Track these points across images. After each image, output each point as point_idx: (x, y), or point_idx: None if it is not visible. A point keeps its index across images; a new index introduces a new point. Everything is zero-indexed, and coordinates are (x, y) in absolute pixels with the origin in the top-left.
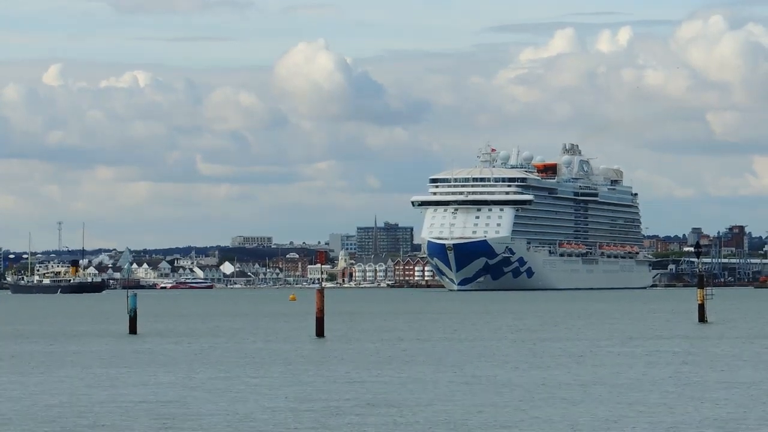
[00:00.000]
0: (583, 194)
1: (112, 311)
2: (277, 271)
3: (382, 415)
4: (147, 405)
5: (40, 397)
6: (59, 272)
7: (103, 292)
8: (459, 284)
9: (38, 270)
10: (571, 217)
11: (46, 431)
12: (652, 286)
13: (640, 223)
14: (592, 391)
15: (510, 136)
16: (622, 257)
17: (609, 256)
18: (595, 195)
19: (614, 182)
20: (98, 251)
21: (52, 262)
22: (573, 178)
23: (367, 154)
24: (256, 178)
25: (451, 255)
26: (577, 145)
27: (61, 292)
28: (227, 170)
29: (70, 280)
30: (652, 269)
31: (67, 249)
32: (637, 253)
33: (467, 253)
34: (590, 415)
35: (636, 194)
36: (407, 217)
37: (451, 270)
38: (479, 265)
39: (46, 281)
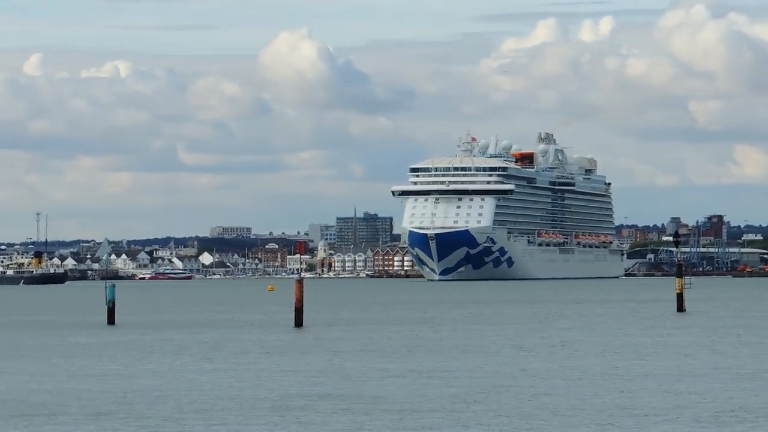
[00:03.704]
0: (560, 183)
1: (83, 302)
2: (257, 261)
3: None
4: (162, 393)
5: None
6: (23, 263)
7: (66, 283)
8: (440, 274)
9: (2, 261)
10: (549, 207)
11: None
12: (627, 275)
13: (613, 212)
14: (630, 381)
15: (495, 125)
16: (597, 247)
17: (584, 246)
18: (572, 184)
19: (588, 171)
20: (74, 241)
21: (16, 254)
22: (549, 168)
23: (352, 143)
24: (240, 167)
25: (432, 245)
26: (552, 134)
27: (24, 283)
28: (211, 159)
29: (32, 271)
30: (630, 258)
31: (31, 240)
32: (611, 242)
33: (449, 242)
34: (636, 404)
35: (609, 183)
36: (387, 207)
37: (432, 260)
38: (461, 255)
39: (10, 272)
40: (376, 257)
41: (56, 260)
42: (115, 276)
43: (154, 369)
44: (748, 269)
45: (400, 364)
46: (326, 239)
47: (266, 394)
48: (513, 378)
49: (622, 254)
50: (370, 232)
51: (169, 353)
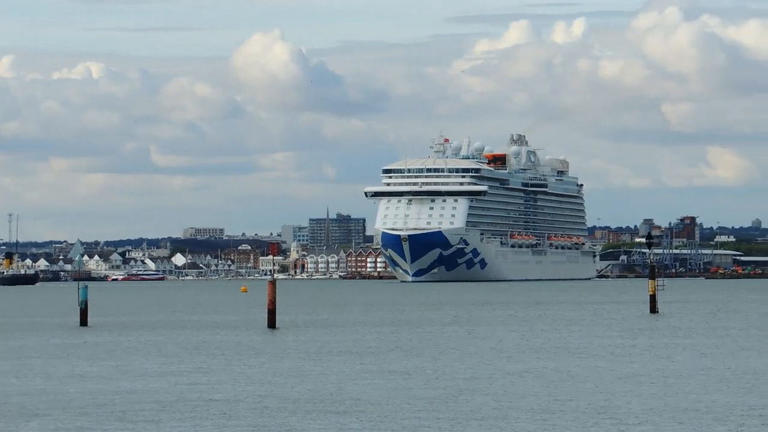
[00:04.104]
0: (532, 185)
1: (55, 303)
2: (229, 262)
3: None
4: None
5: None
6: None
7: (37, 284)
8: (413, 275)
9: None
10: (521, 208)
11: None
12: (600, 276)
13: (585, 213)
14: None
15: (468, 126)
16: (569, 248)
17: (557, 247)
18: (545, 186)
19: (560, 173)
20: (46, 243)
21: None
22: (521, 169)
23: (325, 144)
24: (213, 168)
25: (405, 246)
26: (524, 136)
27: None
28: (183, 161)
29: (3, 272)
30: (603, 260)
31: (2, 241)
32: (583, 244)
33: (422, 244)
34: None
35: (581, 185)
36: (360, 209)
37: (405, 261)
38: (434, 256)
39: None
40: (349, 258)
41: (28, 261)
42: (88, 277)
43: (130, 370)
44: (720, 271)
45: (376, 366)
46: (299, 240)
47: (244, 396)
48: (493, 379)
49: (594, 256)
50: (342, 234)
51: (144, 354)
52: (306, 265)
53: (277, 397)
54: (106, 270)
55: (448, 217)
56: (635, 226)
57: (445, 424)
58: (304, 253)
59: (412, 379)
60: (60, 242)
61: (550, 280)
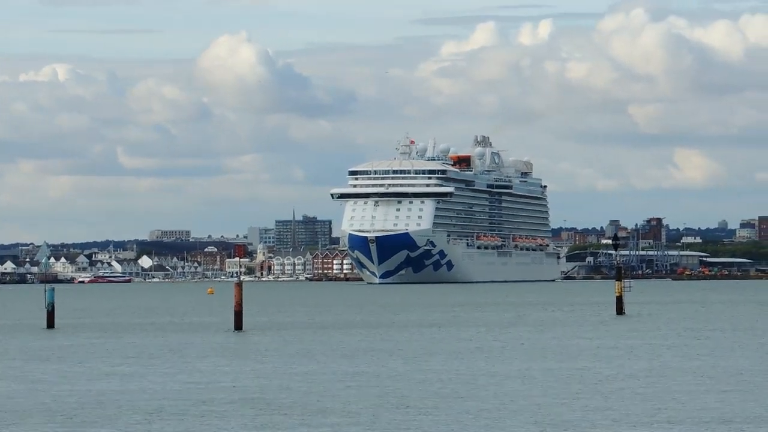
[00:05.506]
0: (497, 186)
1: (19, 306)
2: (196, 264)
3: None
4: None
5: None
6: None
7: None
8: (381, 277)
9: None
10: (486, 209)
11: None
12: (566, 278)
13: (549, 215)
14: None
15: (436, 128)
16: (533, 250)
17: (521, 249)
18: (509, 187)
19: (524, 174)
20: (13, 245)
21: None
22: (486, 171)
23: (292, 146)
24: (181, 171)
25: (373, 248)
26: (488, 137)
27: None
28: (151, 163)
29: None
30: (569, 261)
31: None
32: (547, 245)
33: (389, 245)
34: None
35: (545, 186)
36: (327, 210)
37: (372, 263)
38: (401, 258)
39: None
40: (315, 260)
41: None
42: (55, 279)
43: (108, 372)
44: (687, 272)
45: (346, 368)
46: (265, 242)
47: (228, 397)
48: (476, 381)
49: (559, 257)
50: (309, 236)
51: (114, 356)
52: (272, 267)
53: (263, 401)
54: (72, 272)
55: (415, 219)
56: (602, 227)
57: (433, 428)
58: (271, 255)
59: (393, 381)
60: (26, 244)
61: (515, 281)
